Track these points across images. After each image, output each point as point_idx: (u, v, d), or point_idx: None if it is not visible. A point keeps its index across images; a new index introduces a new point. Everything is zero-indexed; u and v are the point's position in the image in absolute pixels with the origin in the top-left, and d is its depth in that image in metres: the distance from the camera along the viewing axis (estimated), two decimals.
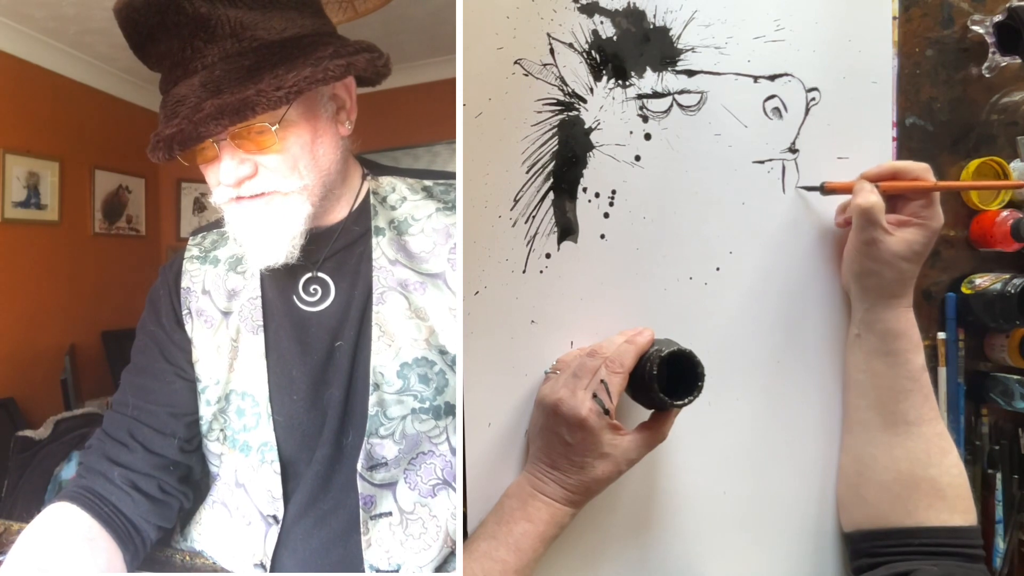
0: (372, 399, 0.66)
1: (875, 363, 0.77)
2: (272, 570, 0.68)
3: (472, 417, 0.74)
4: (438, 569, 0.67)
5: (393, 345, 0.66)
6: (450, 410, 0.67)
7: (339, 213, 0.70)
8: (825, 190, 0.80)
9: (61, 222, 2.54)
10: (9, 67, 2.31)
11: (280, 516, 0.69)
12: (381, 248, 0.69)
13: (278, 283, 0.70)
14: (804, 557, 0.82)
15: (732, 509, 0.81)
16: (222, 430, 0.71)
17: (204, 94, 0.59)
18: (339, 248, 0.69)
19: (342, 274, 0.69)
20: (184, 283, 0.74)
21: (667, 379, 0.67)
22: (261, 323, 0.70)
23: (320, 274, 0.69)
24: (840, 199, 0.81)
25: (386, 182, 0.73)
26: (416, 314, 0.67)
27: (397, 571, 0.65)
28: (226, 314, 0.72)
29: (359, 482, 0.66)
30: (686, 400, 0.66)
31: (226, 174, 0.62)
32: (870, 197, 0.74)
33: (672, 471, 0.79)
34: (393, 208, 0.71)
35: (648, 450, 0.68)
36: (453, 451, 0.68)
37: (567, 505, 0.69)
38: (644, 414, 0.71)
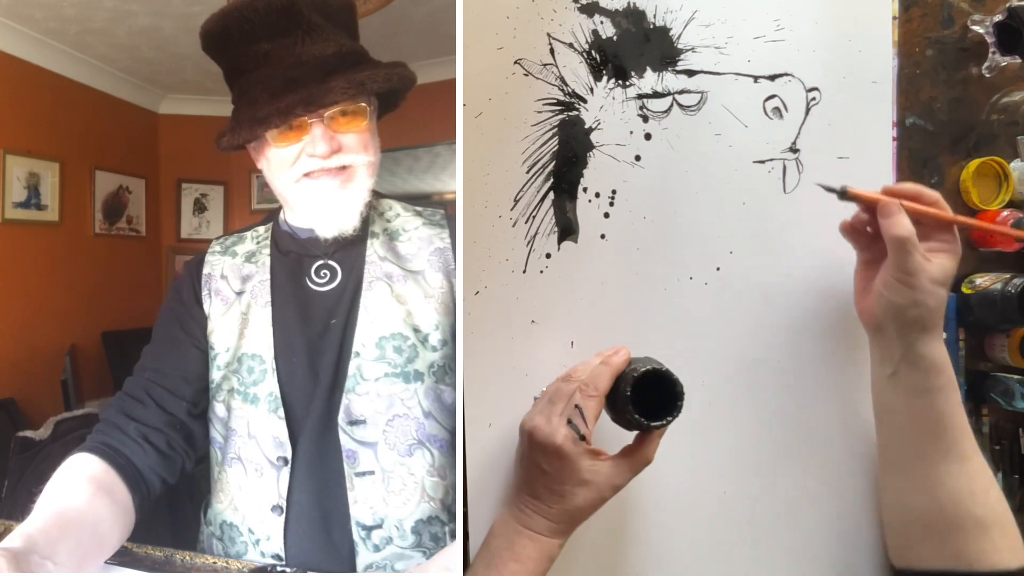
0: (352, 364, 0.76)
1: (914, 402, 0.73)
2: (289, 509, 0.75)
3: (472, 417, 0.74)
4: (417, 522, 0.74)
5: (376, 323, 0.77)
6: (418, 376, 0.76)
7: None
8: (845, 195, 0.73)
9: (61, 222, 2.55)
10: (9, 67, 2.31)
11: (289, 458, 0.76)
12: (374, 248, 0.81)
13: (291, 267, 0.82)
14: (804, 557, 0.82)
15: (733, 509, 0.80)
16: (232, 389, 0.79)
17: (321, 74, 0.73)
18: (345, 244, 0.80)
19: (344, 264, 0.81)
20: (205, 270, 0.85)
21: (649, 399, 0.65)
22: (269, 299, 0.81)
23: (330, 262, 0.81)
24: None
25: (385, 202, 0.86)
26: (397, 299, 0.77)
27: (380, 526, 0.73)
28: (239, 294, 0.82)
29: (341, 435, 0.75)
30: (664, 421, 0.64)
31: (321, 147, 0.73)
32: (906, 224, 0.70)
33: (672, 471, 0.79)
34: (389, 221, 0.84)
35: (633, 474, 0.67)
36: (425, 414, 0.75)
37: (553, 536, 0.67)
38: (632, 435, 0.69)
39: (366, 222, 0.81)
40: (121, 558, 0.72)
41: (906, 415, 0.74)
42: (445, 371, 0.77)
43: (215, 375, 0.81)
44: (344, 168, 0.76)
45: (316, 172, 0.75)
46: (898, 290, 0.71)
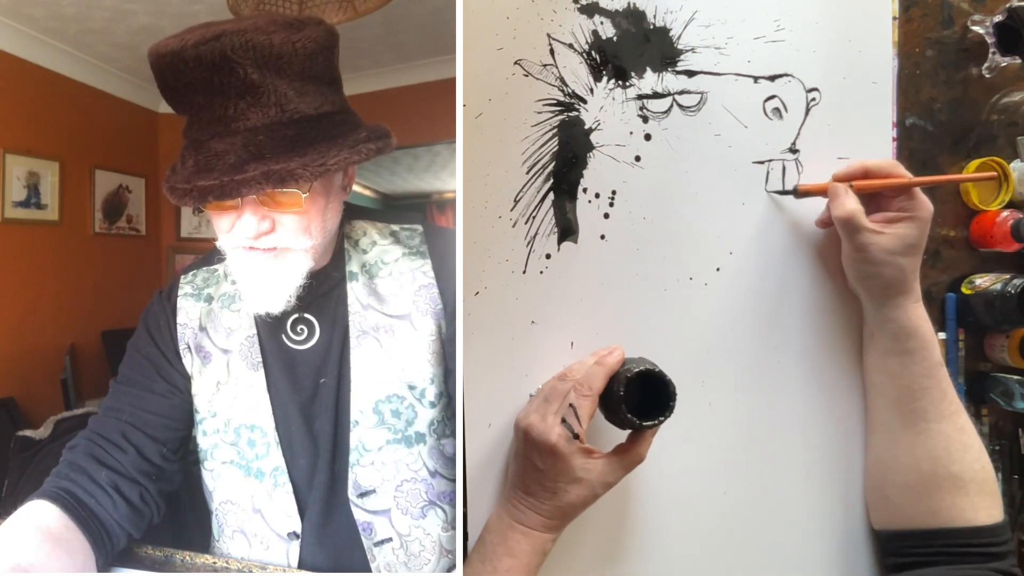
0: (353, 435, 0.73)
1: (890, 363, 0.76)
2: None
3: (472, 417, 0.74)
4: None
5: (369, 384, 0.73)
6: (420, 438, 0.73)
7: (323, 259, 0.75)
8: (799, 193, 0.79)
9: (61, 222, 2.55)
10: (9, 67, 2.31)
11: (299, 531, 0.74)
12: (355, 293, 0.75)
13: (268, 322, 0.75)
14: (804, 557, 0.82)
15: (732, 509, 0.80)
16: (230, 461, 0.75)
17: (246, 155, 0.63)
18: (321, 292, 0.75)
19: (324, 316, 0.75)
20: (180, 319, 0.78)
21: (642, 399, 0.66)
22: (260, 360, 0.75)
23: (306, 315, 0.75)
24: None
25: (359, 226, 0.79)
26: (388, 355, 0.73)
27: None
28: (225, 351, 0.76)
29: (353, 509, 0.73)
30: (656, 421, 0.65)
31: (247, 228, 0.66)
32: (847, 205, 0.73)
33: (671, 471, 0.79)
34: (365, 252, 0.77)
35: (625, 472, 0.67)
36: (432, 473, 0.73)
37: (545, 531, 0.68)
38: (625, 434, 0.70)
39: (342, 261, 0.76)
40: (121, 558, 0.72)
41: (884, 376, 0.77)
42: (445, 425, 0.74)
43: (202, 441, 0.77)
44: (275, 249, 0.68)
45: (247, 248, 0.68)
46: (853, 264, 0.77)
